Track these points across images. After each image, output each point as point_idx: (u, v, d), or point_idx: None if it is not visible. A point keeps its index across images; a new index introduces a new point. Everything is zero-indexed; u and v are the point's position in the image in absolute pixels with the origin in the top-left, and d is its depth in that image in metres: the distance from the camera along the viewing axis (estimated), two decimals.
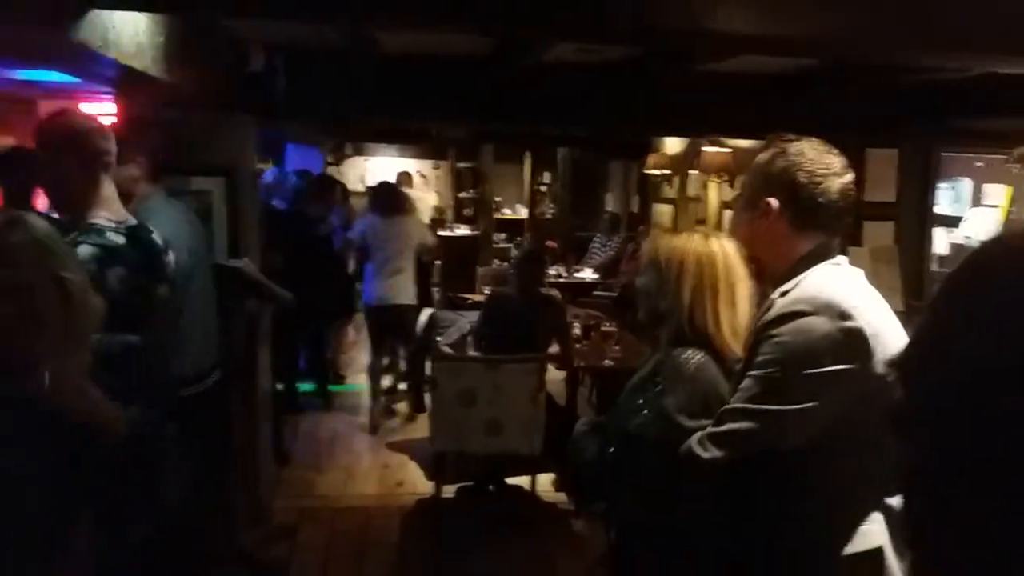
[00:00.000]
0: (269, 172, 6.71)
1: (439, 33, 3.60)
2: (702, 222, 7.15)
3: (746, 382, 1.73)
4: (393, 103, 4.77)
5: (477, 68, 4.51)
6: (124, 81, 3.14)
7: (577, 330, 5.37)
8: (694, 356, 1.93)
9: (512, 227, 11.66)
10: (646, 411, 1.98)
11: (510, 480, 4.67)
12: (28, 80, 6.24)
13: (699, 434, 1.80)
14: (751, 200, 1.80)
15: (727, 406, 1.77)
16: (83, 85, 6.04)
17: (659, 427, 1.93)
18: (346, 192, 7.11)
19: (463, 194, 11.73)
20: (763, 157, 1.81)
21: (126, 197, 2.63)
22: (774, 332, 1.69)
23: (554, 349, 4.83)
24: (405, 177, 8.95)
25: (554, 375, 5.00)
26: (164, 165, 3.65)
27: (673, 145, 8.16)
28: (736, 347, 1.89)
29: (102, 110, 6.85)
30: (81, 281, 1.59)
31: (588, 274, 8.61)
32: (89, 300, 1.61)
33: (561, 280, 8.16)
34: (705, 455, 1.76)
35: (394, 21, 2.71)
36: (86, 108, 6.98)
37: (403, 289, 5.83)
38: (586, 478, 2.24)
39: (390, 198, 6.05)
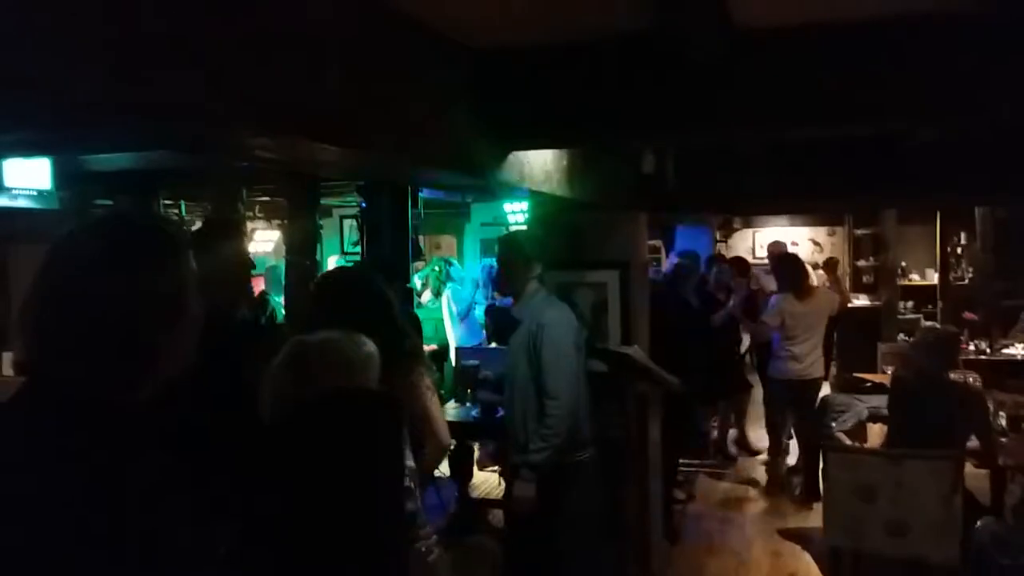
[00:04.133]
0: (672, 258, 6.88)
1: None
2: None
3: None
4: (783, 184, 4.78)
5: (870, 141, 4.32)
6: (534, 196, 3.66)
7: (1003, 421, 4.71)
8: None
9: (920, 294, 10.56)
10: None
11: None
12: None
13: None
14: None
15: None
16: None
17: None
18: (744, 267, 7.11)
19: (861, 262, 10.97)
20: None
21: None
22: None
23: (974, 444, 4.30)
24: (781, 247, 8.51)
25: (976, 472, 4.45)
26: (565, 260, 4.15)
27: None
28: None
29: (519, 208, 7.89)
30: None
31: (1020, 350, 7.46)
32: None
33: (983, 358, 7.19)
34: None
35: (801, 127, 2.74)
36: (508, 207, 8.03)
37: (816, 363, 5.85)
38: None
39: (799, 277, 6.00)
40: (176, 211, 6.59)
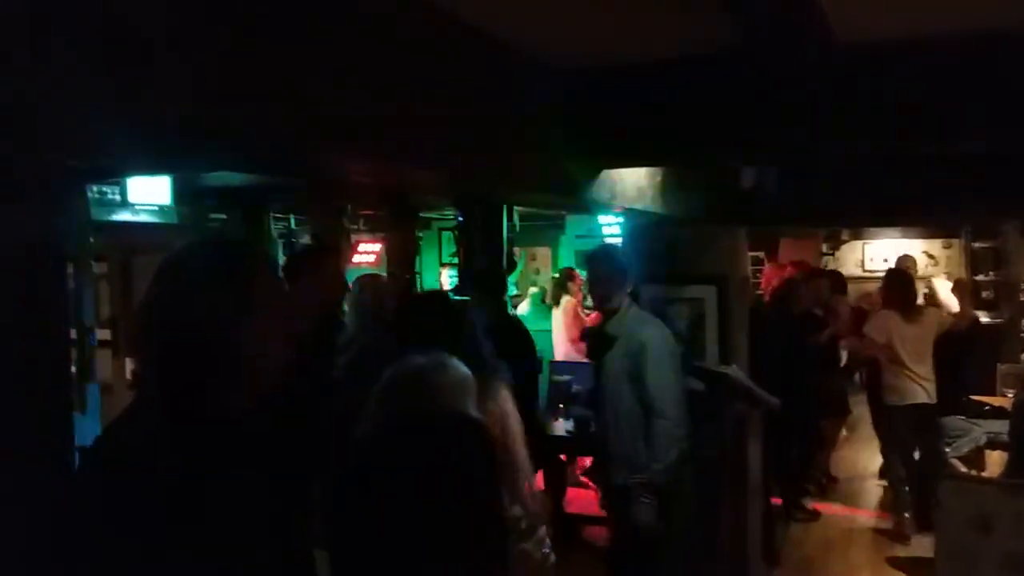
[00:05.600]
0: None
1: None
2: None
3: None
4: (891, 196, 4.57)
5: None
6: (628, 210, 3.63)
7: None
8: None
9: None
10: None
11: None
12: None
13: None
14: None
15: None
16: None
17: None
18: (840, 283, 6.86)
19: (980, 276, 10.33)
20: None
21: None
22: None
23: None
24: (909, 262, 8.18)
25: None
26: (660, 275, 4.09)
27: None
28: None
29: (614, 221, 7.84)
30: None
31: None
32: None
33: None
34: None
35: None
36: (603, 219, 7.99)
37: (931, 387, 5.42)
38: None
39: (907, 294, 5.69)
40: (285, 224, 6.88)
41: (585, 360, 6.10)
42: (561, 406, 4.91)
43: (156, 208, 4.77)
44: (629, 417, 3.38)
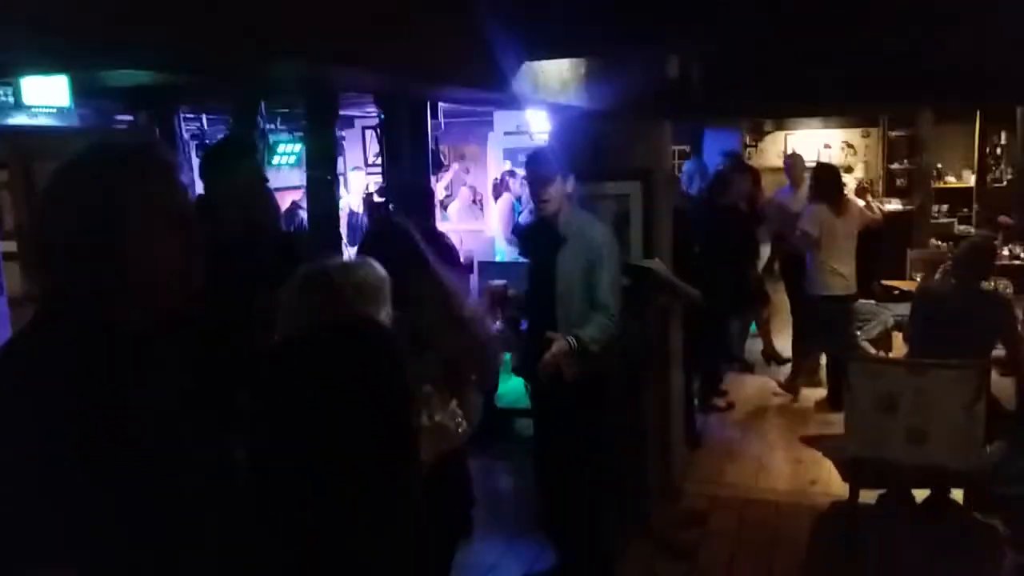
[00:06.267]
0: (688, 163, 6.93)
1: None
2: None
3: None
4: (814, 87, 4.58)
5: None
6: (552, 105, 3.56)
7: None
8: None
9: (956, 197, 10.29)
10: None
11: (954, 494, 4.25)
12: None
13: None
14: None
15: None
16: None
17: None
18: (757, 178, 6.99)
19: (895, 165, 10.66)
20: None
21: None
22: None
23: (1000, 352, 4.28)
24: (797, 159, 8.06)
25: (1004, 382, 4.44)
26: (587, 171, 4.07)
27: None
28: None
29: (543, 116, 7.68)
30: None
31: None
32: None
33: (1017, 263, 7.05)
34: None
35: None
36: (532, 114, 7.83)
37: (852, 279, 5.67)
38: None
39: (836, 188, 5.80)
40: (198, 125, 6.57)
41: (517, 261, 6.12)
42: (497, 309, 4.93)
43: (54, 110, 4.47)
44: (580, 316, 3.42)
